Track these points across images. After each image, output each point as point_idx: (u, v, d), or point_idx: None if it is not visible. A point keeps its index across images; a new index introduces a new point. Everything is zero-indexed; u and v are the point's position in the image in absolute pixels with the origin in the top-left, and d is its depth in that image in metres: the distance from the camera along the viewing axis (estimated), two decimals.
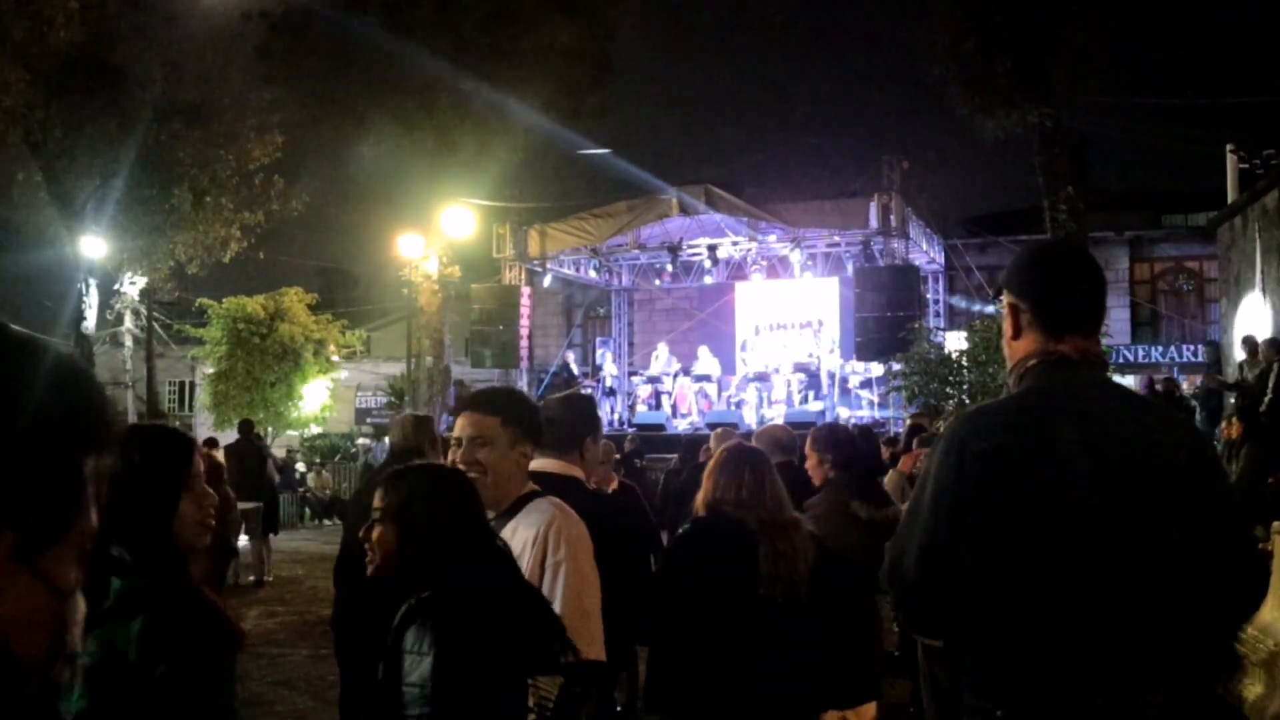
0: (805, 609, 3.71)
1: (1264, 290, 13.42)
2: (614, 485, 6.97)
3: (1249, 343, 12.71)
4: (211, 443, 15.75)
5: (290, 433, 30.56)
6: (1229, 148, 15.69)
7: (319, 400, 28.63)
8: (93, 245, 24.38)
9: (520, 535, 2.88)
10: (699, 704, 3.71)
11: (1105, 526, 2.19)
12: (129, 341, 30.40)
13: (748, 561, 3.68)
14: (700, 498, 3.95)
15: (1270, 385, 11.31)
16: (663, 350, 24.01)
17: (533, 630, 2.44)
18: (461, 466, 2.93)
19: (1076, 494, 2.20)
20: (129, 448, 2.41)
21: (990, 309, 16.75)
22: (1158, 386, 17.03)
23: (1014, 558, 2.20)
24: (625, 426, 21.95)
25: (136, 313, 29.85)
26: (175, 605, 2.34)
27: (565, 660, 2.44)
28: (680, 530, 3.98)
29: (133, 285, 27.54)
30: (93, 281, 24.92)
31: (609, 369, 25.07)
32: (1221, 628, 2.45)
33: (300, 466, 28.89)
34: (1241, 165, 15.32)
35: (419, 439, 5.32)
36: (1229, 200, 15.44)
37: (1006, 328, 2.46)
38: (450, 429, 3.36)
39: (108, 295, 28.36)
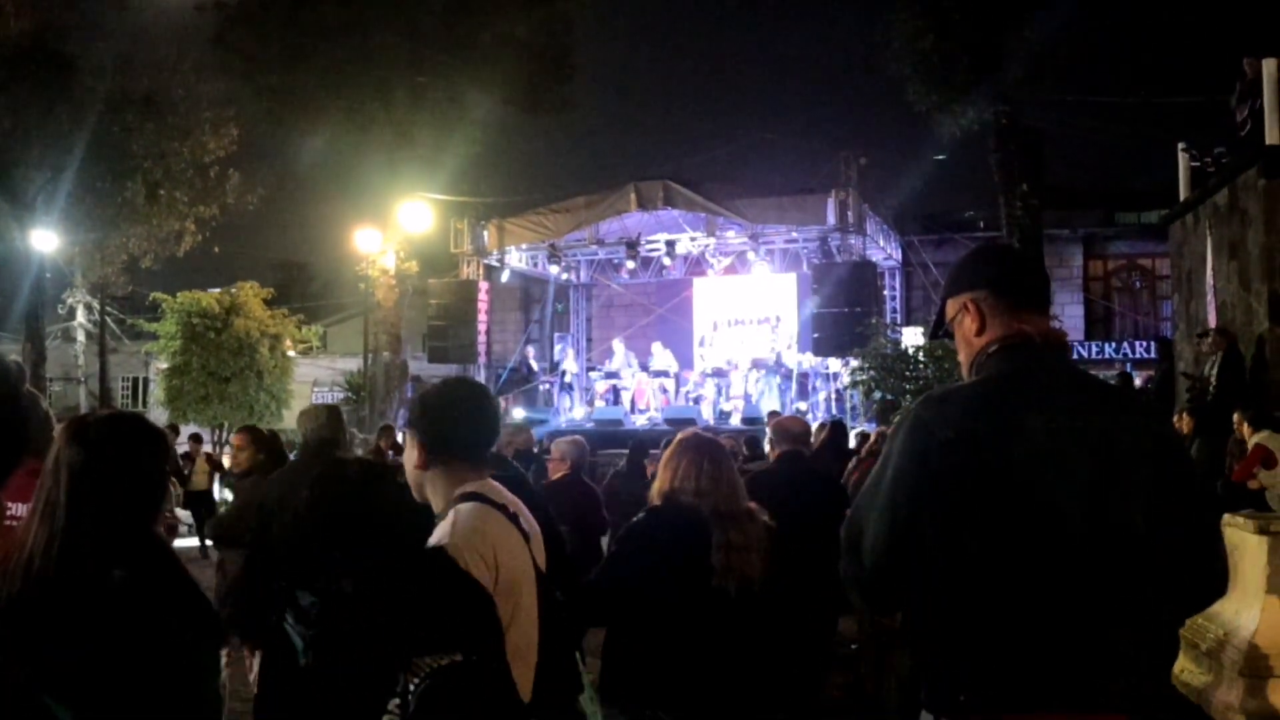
0: (759, 600, 3.67)
1: (1214, 287, 13.58)
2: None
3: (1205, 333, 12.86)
4: (173, 430, 15.66)
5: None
6: (1181, 146, 15.80)
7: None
8: (44, 239, 24.04)
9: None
10: (652, 695, 3.67)
11: (1072, 513, 2.20)
12: (81, 336, 30.05)
13: (700, 553, 3.63)
14: (656, 487, 3.88)
15: (1214, 376, 11.44)
16: (619, 347, 23.95)
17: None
18: None
19: (1043, 481, 2.20)
20: (129, 438, 2.41)
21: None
22: (1113, 381, 17.22)
23: (979, 545, 2.20)
24: (585, 422, 21.91)
25: (89, 307, 29.50)
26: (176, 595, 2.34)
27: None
28: (635, 519, 3.91)
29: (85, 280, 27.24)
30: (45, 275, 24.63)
31: (569, 365, 24.99)
32: (1184, 613, 2.47)
33: None
34: (1193, 164, 15.43)
35: (334, 429, 5.25)
36: (1181, 198, 15.58)
37: (968, 327, 2.46)
38: (408, 425, 3.30)
39: (59, 289, 28.03)
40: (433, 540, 2.73)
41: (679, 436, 4.12)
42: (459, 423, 2.95)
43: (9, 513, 3.35)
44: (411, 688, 2.23)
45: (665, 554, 3.70)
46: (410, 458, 2.93)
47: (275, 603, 2.49)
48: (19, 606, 2.18)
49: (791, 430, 5.95)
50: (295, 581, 2.48)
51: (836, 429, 11.26)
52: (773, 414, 11.23)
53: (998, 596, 2.19)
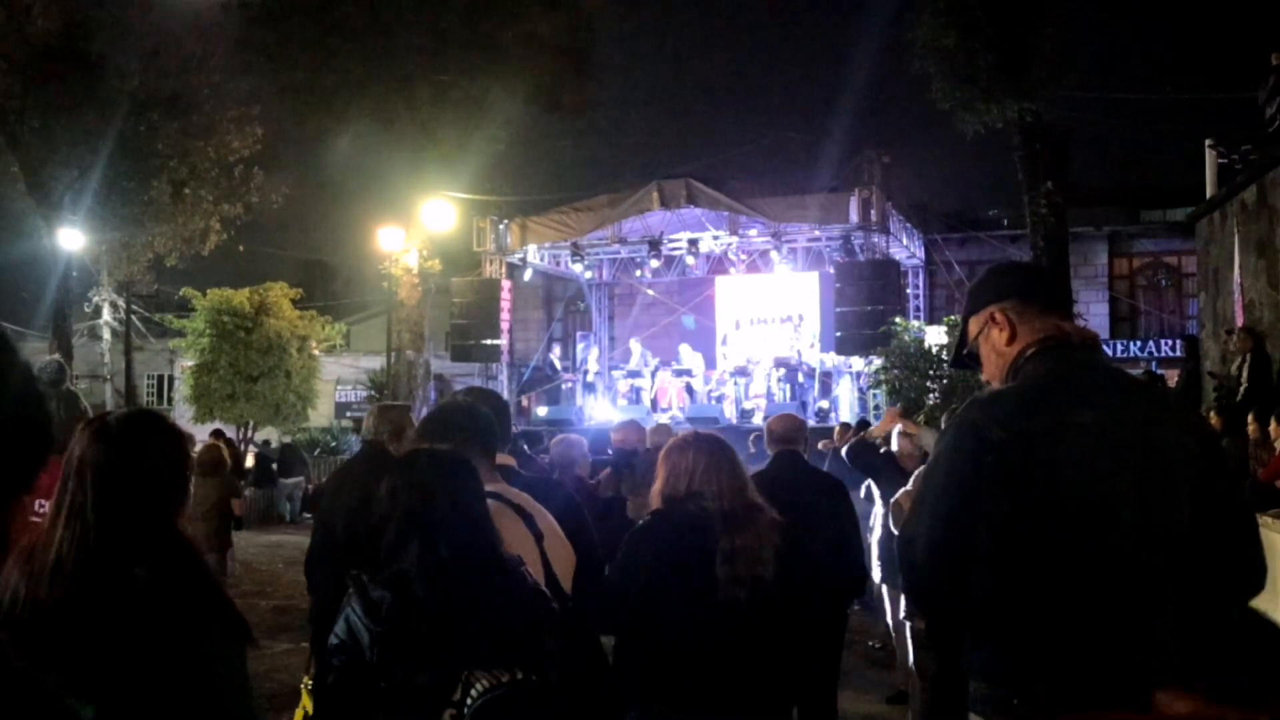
0: (773, 602, 3.56)
1: (1241, 285, 13.47)
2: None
3: (1231, 332, 12.78)
4: (218, 434, 15.81)
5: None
6: (1208, 143, 15.70)
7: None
8: (70, 237, 24.21)
9: None
10: (669, 699, 3.60)
11: (1126, 510, 2.20)
12: (107, 334, 30.25)
13: (705, 560, 3.51)
14: (655, 489, 3.76)
15: (1245, 374, 11.35)
16: (635, 347, 23.92)
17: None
18: None
19: (1097, 478, 2.20)
20: (146, 436, 2.41)
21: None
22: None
23: (1035, 544, 2.20)
24: (607, 422, 21.90)
25: (115, 305, 29.69)
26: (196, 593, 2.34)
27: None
28: (641, 522, 3.80)
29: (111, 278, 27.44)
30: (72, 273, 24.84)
31: (591, 364, 24.95)
32: (1229, 608, 2.47)
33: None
34: (1220, 161, 15.34)
35: (378, 430, 5.30)
36: (1207, 196, 15.47)
37: (997, 337, 2.47)
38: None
39: (86, 287, 28.23)
40: None
41: (677, 436, 4.02)
42: (456, 430, 3.20)
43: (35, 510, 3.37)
44: (469, 701, 2.23)
45: (668, 562, 3.59)
46: None
47: (344, 589, 2.53)
48: (46, 608, 2.18)
49: (779, 431, 5.90)
50: (368, 571, 2.51)
51: (861, 429, 11.35)
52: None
53: (1053, 596, 2.19)
